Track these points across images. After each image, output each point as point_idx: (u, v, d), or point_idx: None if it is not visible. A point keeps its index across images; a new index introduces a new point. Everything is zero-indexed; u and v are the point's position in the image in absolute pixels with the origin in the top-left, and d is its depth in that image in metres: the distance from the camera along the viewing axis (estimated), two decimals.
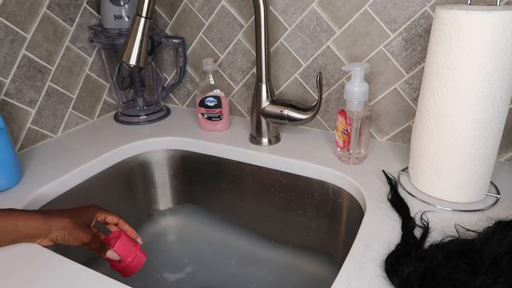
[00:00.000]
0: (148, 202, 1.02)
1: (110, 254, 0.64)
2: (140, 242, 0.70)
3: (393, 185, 0.72)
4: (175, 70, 1.10)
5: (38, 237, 0.59)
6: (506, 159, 0.80)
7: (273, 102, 0.87)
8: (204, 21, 0.99)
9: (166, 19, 1.04)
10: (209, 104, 0.94)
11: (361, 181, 0.75)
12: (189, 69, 1.08)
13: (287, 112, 0.85)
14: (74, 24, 0.95)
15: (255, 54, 0.90)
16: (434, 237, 0.59)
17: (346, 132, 0.78)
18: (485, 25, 0.55)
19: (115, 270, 0.66)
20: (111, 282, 0.54)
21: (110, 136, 0.97)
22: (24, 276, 0.56)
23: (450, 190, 0.67)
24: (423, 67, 0.69)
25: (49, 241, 0.60)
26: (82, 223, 0.62)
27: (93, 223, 0.65)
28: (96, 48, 1.02)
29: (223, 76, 1.03)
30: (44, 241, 0.60)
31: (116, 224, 0.69)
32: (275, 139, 0.91)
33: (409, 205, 0.67)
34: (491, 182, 0.71)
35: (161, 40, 1.03)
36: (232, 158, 0.91)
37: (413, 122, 0.77)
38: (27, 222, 0.58)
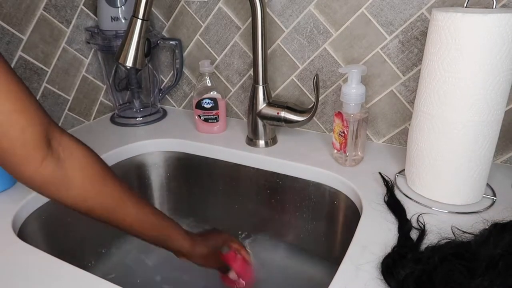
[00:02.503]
0: None
1: (232, 274, 0.74)
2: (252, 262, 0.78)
3: (390, 187, 0.72)
4: (172, 72, 1.10)
5: (181, 255, 0.68)
6: (502, 161, 0.80)
7: (270, 104, 0.87)
8: (201, 23, 0.99)
9: (163, 21, 1.04)
10: (205, 106, 0.94)
11: (357, 183, 0.75)
12: (185, 71, 1.08)
13: (283, 114, 0.85)
14: (71, 26, 0.95)
15: (252, 56, 0.90)
16: (430, 239, 0.59)
17: (342, 134, 0.78)
18: (481, 28, 0.55)
19: (231, 286, 0.76)
20: (109, 285, 0.54)
21: (106, 137, 0.97)
22: (21, 280, 0.55)
23: (446, 192, 0.67)
24: (420, 70, 0.69)
25: (188, 260, 0.69)
26: (214, 253, 0.71)
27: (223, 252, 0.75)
28: (93, 49, 1.02)
29: (219, 78, 1.03)
30: (184, 259, 0.69)
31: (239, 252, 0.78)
32: (271, 141, 0.91)
33: (405, 207, 0.67)
34: (488, 184, 0.71)
35: (158, 42, 1.02)
36: (229, 160, 0.91)
37: (409, 124, 0.77)
38: (180, 241, 0.67)
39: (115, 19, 0.95)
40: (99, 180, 0.55)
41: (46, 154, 0.49)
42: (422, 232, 0.60)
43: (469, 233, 0.60)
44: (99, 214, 0.56)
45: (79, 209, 0.55)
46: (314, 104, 0.82)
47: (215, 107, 0.94)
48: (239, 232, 0.98)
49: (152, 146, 0.97)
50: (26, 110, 0.46)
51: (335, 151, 0.82)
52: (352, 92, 0.75)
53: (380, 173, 0.77)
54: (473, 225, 0.62)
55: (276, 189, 0.88)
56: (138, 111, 1.09)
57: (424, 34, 0.77)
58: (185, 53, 1.06)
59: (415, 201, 0.69)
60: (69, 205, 0.54)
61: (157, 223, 0.63)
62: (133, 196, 0.59)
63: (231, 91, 1.04)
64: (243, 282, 0.75)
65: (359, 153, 0.81)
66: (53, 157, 0.50)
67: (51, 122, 0.50)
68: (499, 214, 0.64)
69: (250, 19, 0.92)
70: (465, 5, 0.63)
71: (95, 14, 1.00)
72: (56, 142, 0.50)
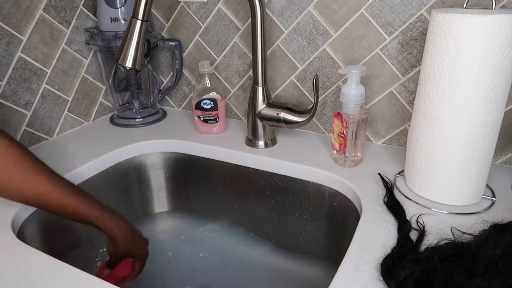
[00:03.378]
0: (144, 204, 1.02)
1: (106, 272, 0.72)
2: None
3: (389, 188, 0.72)
4: (172, 73, 1.10)
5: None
6: (501, 162, 0.80)
7: (269, 105, 0.87)
8: (201, 23, 0.99)
9: (163, 21, 1.04)
10: (205, 106, 0.94)
11: (357, 184, 0.75)
12: (185, 71, 1.08)
13: (283, 115, 0.85)
14: (70, 27, 0.95)
15: (251, 57, 0.90)
16: (430, 240, 0.59)
17: (342, 135, 0.78)
18: (480, 29, 0.55)
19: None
20: (108, 286, 0.54)
21: (106, 138, 0.97)
22: (20, 281, 0.55)
23: (446, 193, 0.67)
24: (419, 70, 0.69)
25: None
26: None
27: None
28: (92, 50, 1.02)
29: (219, 79, 1.03)
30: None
31: None
32: (271, 141, 0.91)
33: (405, 208, 0.67)
34: (487, 185, 0.71)
35: (158, 42, 1.02)
36: (228, 160, 0.91)
37: (409, 125, 0.77)
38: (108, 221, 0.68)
39: (115, 20, 0.95)
40: (19, 171, 0.57)
41: None
42: (422, 233, 0.60)
43: (468, 234, 0.60)
44: (22, 202, 0.60)
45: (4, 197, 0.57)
46: (313, 105, 0.82)
47: (215, 108, 0.94)
48: (238, 233, 0.98)
49: (151, 147, 0.97)
50: None
51: (335, 152, 0.82)
52: (352, 93, 0.75)
53: (379, 174, 0.77)
54: (473, 226, 0.62)
55: (276, 190, 0.88)
56: (138, 112, 1.09)
57: (423, 35, 0.77)
58: (184, 54, 1.06)
59: (414, 202, 0.69)
60: None
61: (84, 212, 0.65)
62: (58, 186, 0.61)
63: (230, 91, 1.04)
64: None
65: (358, 154, 0.81)
66: None
67: None
68: (498, 215, 0.64)
69: (250, 20, 0.92)
70: (464, 6, 0.63)
71: (95, 15, 1.00)
72: None
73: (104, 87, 1.08)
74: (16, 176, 0.57)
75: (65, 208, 0.62)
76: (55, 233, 0.79)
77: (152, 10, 1.04)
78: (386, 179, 0.75)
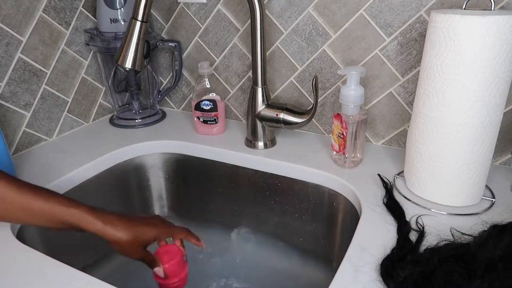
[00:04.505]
0: (143, 205, 1.02)
1: (158, 270, 0.62)
2: (205, 251, 0.68)
3: (389, 189, 0.72)
4: (171, 74, 1.10)
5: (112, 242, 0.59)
6: (501, 163, 0.80)
7: (269, 105, 0.87)
8: (200, 24, 0.99)
9: (162, 22, 1.04)
10: (204, 107, 0.94)
11: (356, 185, 0.75)
12: (185, 72, 1.08)
13: (282, 115, 0.85)
14: (70, 28, 0.95)
15: (251, 57, 0.90)
16: (429, 241, 0.59)
17: (341, 136, 0.78)
18: (480, 30, 0.55)
19: (157, 280, 0.65)
20: (104, 285, 0.54)
21: (105, 139, 0.97)
22: (20, 281, 0.55)
23: (445, 194, 0.67)
24: (419, 71, 0.69)
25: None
26: (138, 243, 0.60)
27: (156, 242, 0.64)
28: (92, 51, 1.02)
29: (219, 80, 1.03)
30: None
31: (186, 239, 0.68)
32: (270, 142, 0.91)
33: (404, 209, 0.67)
34: (486, 186, 0.71)
35: (157, 43, 1.02)
36: (228, 161, 0.91)
37: (408, 126, 0.77)
38: (89, 224, 0.57)
39: (114, 21, 0.95)
40: None
41: None
42: (421, 233, 0.60)
43: (468, 234, 0.60)
44: None
45: None
46: (313, 106, 0.82)
47: (214, 108, 0.94)
48: (237, 234, 0.98)
49: (151, 147, 0.97)
50: None
51: (334, 152, 0.82)
52: (351, 93, 0.75)
53: (379, 174, 0.77)
54: (472, 226, 0.62)
55: (275, 190, 0.88)
56: (137, 112, 1.09)
57: (422, 35, 0.77)
58: (184, 55, 1.06)
59: (414, 202, 0.69)
60: None
61: (57, 215, 0.57)
62: (18, 195, 0.55)
63: (230, 92, 1.04)
64: (172, 283, 0.64)
65: (358, 154, 0.81)
66: None
67: None
68: (498, 216, 0.64)
69: (249, 20, 0.92)
70: (463, 7, 0.63)
71: (95, 16, 1.00)
72: None
73: (104, 88, 1.08)
74: None
75: (34, 218, 0.56)
76: (54, 233, 0.78)
77: (151, 11, 1.04)
78: (385, 180, 0.75)
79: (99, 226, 0.57)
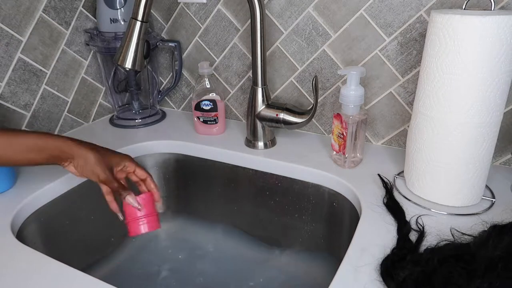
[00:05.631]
0: None
1: (129, 198, 0.65)
2: (160, 211, 0.71)
3: (389, 189, 0.72)
4: (171, 74, 1.10)
5: (64, 160, 0.64)
6: (501, 163, 0.80)
7: (269, 105, 0.87)
8: (200, 24, 0.99)
9: (162, 22, 1.04)
10: (204, 107, 0.94)
11: (356, 185, 0.75)
12: (185, 72, 1.08)
13: (282, 115, 0.85)
14: (70, 28, 0.95)
15: (251, 58, 0.90)
16: (429, 241, 0.59)
17: (341, 136, 0.78)
18: (480, 30, 0.55)
19: (127, 222, 0.66)
20: (107, 287, 0.54)
21: (105, 139, 0.97)
22: (19, 282, 0.55)
23: (445, 194, 0.67)
24: (419, 71, 0.69)
25: (74, 168, 0.64)
26: (105, 162, 0.64)
27: (118, 168, 0.68)
28: (92, 51, 1.02)
29: (218, 80, 1.03)
30: (70, 167, 0.64)
31: (143, 181, 0.70)
32: (270, 142, 0.91)
33: (404, 209, 0.67)
34: (486, 186, 0.71)
35: (157, 43, 1.02)
36: (228, 161, 0.91)
37: (408, 126, 0.77)
38: (57, 144, 0.62)
39: (114, 21, 0.95)
40: None
41: None
42: (421, 234, 0.60)
43: (468, 235, 0.60)
44: None
45: None
46: (313, 106, 0.82)
47: (214, 108, 0.94)
48: (237, 234, 0.98)
49: (151, 147, 0.97)
50: None
51: (334, 152, 0.82)
52: (351, 93, 0.75)
53: (379, 174, 0.77)
54: (472, 226, 0.62)
55: (275, 190, 0.88)
56: (137, 112, 1.09)
57: (423, 35, 0.77)
58: (184, 55, 1.06)
59: (414, 202, 0.69)
60: None
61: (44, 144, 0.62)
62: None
63: (230, 92, 1.04)
64: (145, 213, 0.65)
65: (358, 154, 0.81)
66: None
67: None
68: (498, 216, 0.64)
69: (249, 20, 0.92)
70: (463, 7, 0.63)
71: (94, 16, 1.00)
72: None
73: (104, 88, 1.08)
74: None
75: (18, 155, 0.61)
76: (54, 234, 0.79)
77: (151, 11, 1.04)
78: (385, 180, 0.75)
79: (74, 147, 0.63)
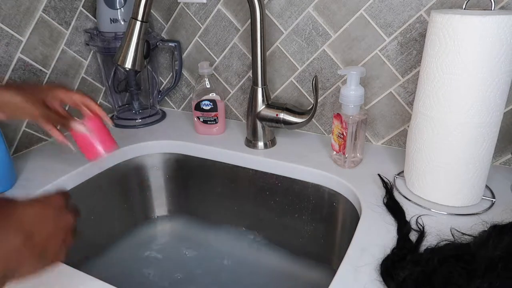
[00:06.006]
0: (143, 205, 1.02)
1: (77, 126, 0.61)
2: (111, 126, 0.66)
3: (389, 189, 0.72)
4: (171, 74, 1.10)
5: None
6: (501, 163, 0.80)
7: (269, 105, 0.87)
8: (200, 24, 0.99)
9: (162, 22, 1.04)
10: (204, 107, 0.94)
11: (356, 185, 0.75)
12: (185, 72, 1.08)
13: (282, 115, 0.85)
14: (70, 28, 0.95)
15: (251, 58, 0.90)
16: (429, 241, 0.59)
17: (341, 136, 0.78)
18: (480, 30, 0.55)
19: (82, 150, 0.62)
20: (104, 285, 0.54)
21: None
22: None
23: (445, 194, 0.67)
24: (419, 71, 0.69)
25: (2, 113, 0.61)
26: (35, 98, 0.60)
27: (48, 98, 0.63)
28: (92, 51, 1.02)
29: (219, 80, 1.03)
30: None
31: (85, 105, 0.66)
32: (270, 142, 0.91)
33: (404, 209, 0.67)
34: (486, 186, 0.71)
35: (157, 43, 1.02)
36: (228, 161, 0.91)
37: (408, 126, 0.77)
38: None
39: (114, 21, 0.95)
40: None
41: None
42: (421, 234, 0.60)
43: (468, 235, 0.60)
44: None
45: None
46: (313, 106, 0.82)
47: (214, 108, 0.94)
48: (237, 234, 0.98)
49: (151, 147, 0.97)
50: None
51: (334, 152, 0.82)
52: (351, 93, 0.75)
53: (379, 174, 0.77)
54: (472, 226, 0.62)
55: (275, 190, 0.88)
56: (137, 112, 1.09)
57: (423, 35, 0.77)
58: (184, 55, 1.06)
59: (414, 202, 0.69)
60: None
61: None
62: None
63: (230, 92, 1.04)
64: (97, 136, 0.62)
65: (358, 154, 0.81)
66: None
67: None
68: (498, 216, 0.64)
69: (249, 20, 0.92)
70: (463, 7, 0.63)
71: (94, 16, 1.00)
72: None
73: (104, 88, 1.08)
74: None
75: None
76: None
77: (151, 11, 1.04)
78: (385, 180, 0.75)
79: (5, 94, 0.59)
